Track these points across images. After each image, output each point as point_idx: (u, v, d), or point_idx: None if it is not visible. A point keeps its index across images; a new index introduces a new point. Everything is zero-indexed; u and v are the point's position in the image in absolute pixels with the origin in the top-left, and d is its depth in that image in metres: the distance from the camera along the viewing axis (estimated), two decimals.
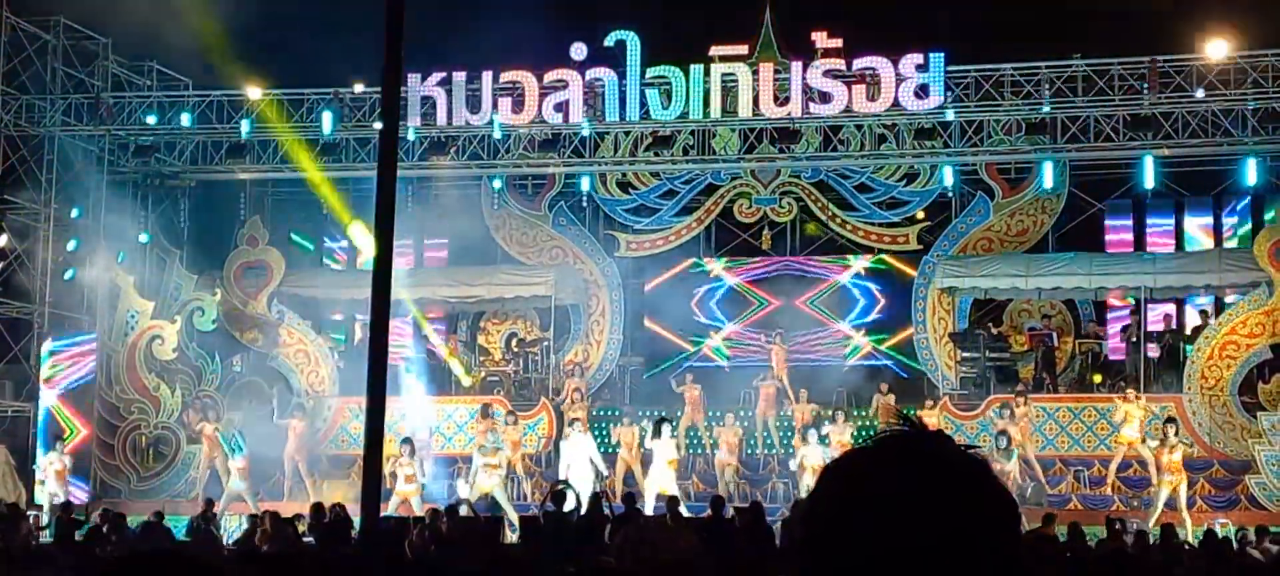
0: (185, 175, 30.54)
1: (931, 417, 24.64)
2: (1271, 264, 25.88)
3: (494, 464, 24.42)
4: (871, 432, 2.16)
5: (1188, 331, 28.04)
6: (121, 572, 2.68)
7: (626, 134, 29.01)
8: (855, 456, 2.06)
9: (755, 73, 27.28)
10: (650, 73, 27.43)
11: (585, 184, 30.21)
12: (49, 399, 28.54)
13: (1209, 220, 30.17)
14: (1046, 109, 26.74)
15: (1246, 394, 26.12)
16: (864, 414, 27.04)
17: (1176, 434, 23.77)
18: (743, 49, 28.03)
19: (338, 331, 31.96)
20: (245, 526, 22.27)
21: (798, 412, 26.57)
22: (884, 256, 30.57)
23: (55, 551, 19.29)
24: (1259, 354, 26.24)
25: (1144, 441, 24.60)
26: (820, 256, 30.98)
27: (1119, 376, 27.14)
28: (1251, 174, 27.19)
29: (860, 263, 30.77)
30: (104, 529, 20.52)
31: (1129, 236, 30.20)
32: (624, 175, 30.52)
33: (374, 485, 8.39)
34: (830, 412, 26.35)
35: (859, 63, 26.78)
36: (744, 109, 27.32)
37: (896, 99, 26.51)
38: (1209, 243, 29.65)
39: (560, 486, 20.14)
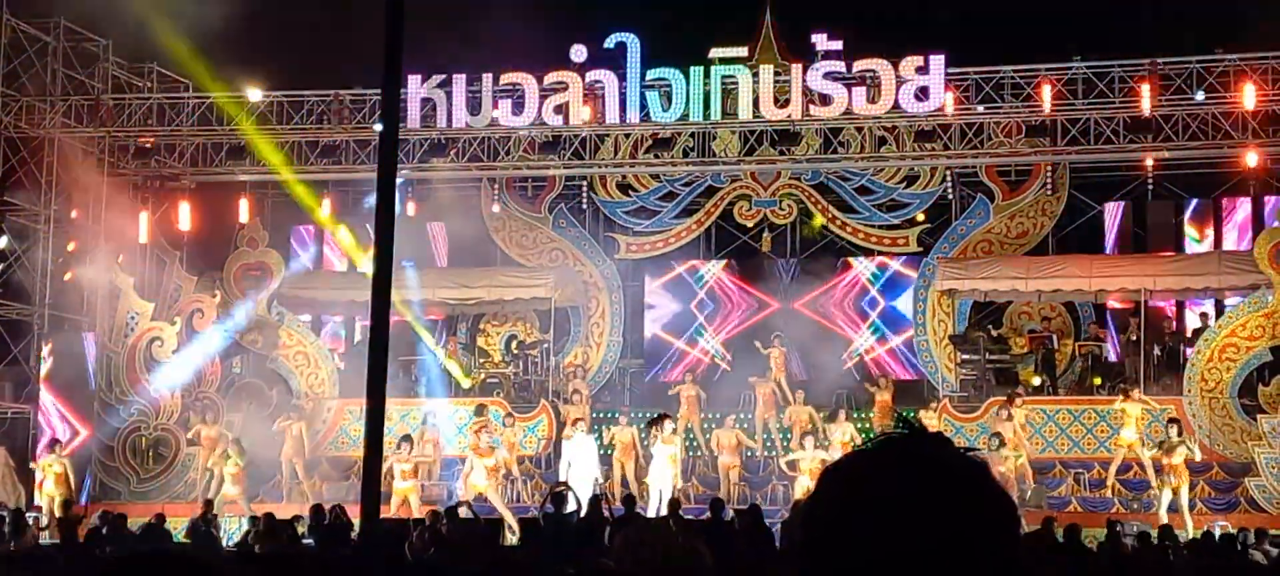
0: (185, 177, 30.53)
1: (931, 420, 24.64)
2: (1271, 266, 25.87)
3: (490, 464, 24.44)
4: (871, 434, 2.16)
5: (1188, 334, 28.04)
6: (121, 573, 2.68)
7: (626, 136, 29.01)
8: (855, 459, 2.07)
9: (755, 75, 27.28)
10: (650, 74, 27.42)
11: (585, 188, 30.24)
12: (48, 400, 28.57)
13: (1209, 222, 30.15)
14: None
15: (1246, 396, 26.11)
16: (863, 415, 27.03)
17: (1179, 434, 23.76)
18: (743, 51, 28.03)
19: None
20: (245, 527, 22.28)
21: (794, 414, 26.56)
22: (884, 259, 30.59)
23: (56, 552, 19.32)
24: (1259, 356, 26.24)
25: (1143, 443, 24.59)
26: (820, 258, 30.97)
27: (1119, 379, 27.13)
28: (1251, 176, 27.18)
29: (861, 264, 30.78)
30: (104, 530, 20.52)
31: (1128, 239, 30.22)
32: (624, 177, 30.52)
33: (373, 487, 8.39)
34: (829, 414, 26.34)
35: (859, 65, 26.77)
36: (744, 111, 27.32)
37: (897, 101, 26.51)
38: (1209, 245, 29.64)
39: (560, 488, 20.16)
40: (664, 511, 21.44)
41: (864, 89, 26.68)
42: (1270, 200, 29.10)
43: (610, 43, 27.48)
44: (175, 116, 29.56)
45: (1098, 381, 27.66)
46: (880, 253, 30.50)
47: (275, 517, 20.68)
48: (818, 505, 2.03)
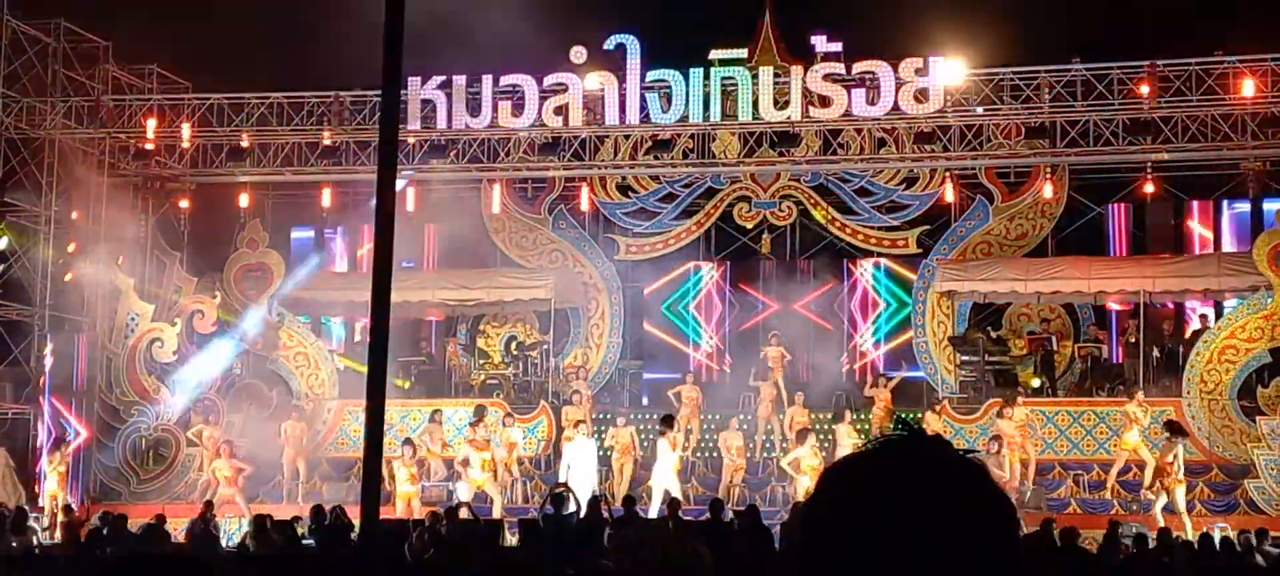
0: (185, 178, 30.54)
1: (931, 421, 24.64)
2: (1271, 268, 25.88)
3: (487, 459, 24.47)
4: (870, 435, 2.17)
5: (1187, 335, 28.04)
6: (121, 574, 2.69)
7: (626, 137, 29.02)
8: (854, 460, 2.08)
9: (755, 76, 27.29)
10: (650, 76, 27.43)
11: (584, 189, 30.22)
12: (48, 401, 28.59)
13: (1208, 224, 30.15)
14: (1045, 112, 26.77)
15: (1245, 398, 26.11)
16: (863, 417, 27.00)
17: (1172, 436, 23.71)
18: (742, 53, 28.05)
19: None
20: (245, 528, 22.27)
21: (793, 416, 26.55)
22: (883, 260, 30.60)
23: (56, 553, 19.33)
24: (1258, 358, 26.23)
25: (1147, 447, 24.57)
26: (820, 260, 30.97)
27: (1118, 380, 27.12)
28: (1251, 177, 27.19)
29: (861, 266, 30.79)
30: (104, 531, 20.52)
31: (1128, 240, 30.21)
32: (624, 178, 30.52)
33: (373, 487, 8.38)
34: (828, 415, 26.32)
35: (858, 67, 26.79)
36: (744, 112, 27.33)
37: (896, 103, 26.52)
38: (1208, 247, 29.64)
39: (559, 489, 20.16)
40: (664, 512, 21.45)
41: (863, 91, 26.69)
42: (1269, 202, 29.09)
43: (610, 44, 27.50)
44: (175, 117, 29.56)
45: (1097, 383, 27.61)
46: (880, 254, 30.50)
47: (271, 518, 20.65)
48: (817, 506, 2.04)
